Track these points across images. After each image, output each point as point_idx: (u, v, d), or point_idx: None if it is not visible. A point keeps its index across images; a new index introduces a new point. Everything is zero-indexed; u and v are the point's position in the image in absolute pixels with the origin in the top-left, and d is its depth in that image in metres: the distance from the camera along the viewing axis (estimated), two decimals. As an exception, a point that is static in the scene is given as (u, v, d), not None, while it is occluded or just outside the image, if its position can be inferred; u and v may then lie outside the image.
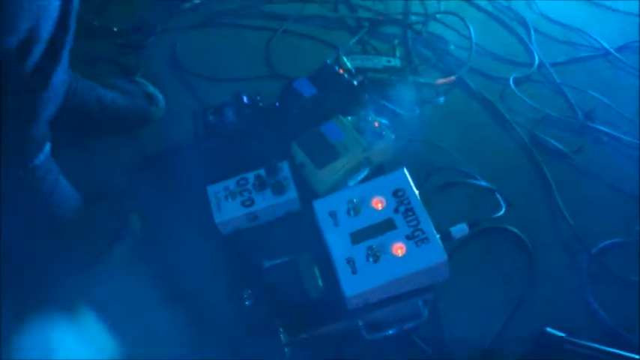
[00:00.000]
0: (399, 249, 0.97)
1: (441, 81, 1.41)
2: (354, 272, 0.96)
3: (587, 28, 1.59)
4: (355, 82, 1.24)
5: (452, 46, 1.53)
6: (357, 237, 0.99)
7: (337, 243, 0.99)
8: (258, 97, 1.26)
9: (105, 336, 1.02)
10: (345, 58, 1.31)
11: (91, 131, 1.30)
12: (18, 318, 1.03)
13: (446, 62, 1.50)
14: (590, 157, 1.28)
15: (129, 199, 1.21)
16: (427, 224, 0.99)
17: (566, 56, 1.52)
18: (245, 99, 1.25)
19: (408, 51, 1.50)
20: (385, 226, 1.00)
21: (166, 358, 1.02)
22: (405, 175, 1.05)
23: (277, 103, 1.26)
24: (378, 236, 0.99)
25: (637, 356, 0.95)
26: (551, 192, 1.22)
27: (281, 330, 0.96)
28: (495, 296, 1.07)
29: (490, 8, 1.66)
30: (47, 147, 1.04)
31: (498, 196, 1.14)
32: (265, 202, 1.13)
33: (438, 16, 1.60)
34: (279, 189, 1.12)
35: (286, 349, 0.97)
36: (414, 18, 1.61)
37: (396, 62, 1.40)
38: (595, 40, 1.55)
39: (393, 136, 1.17)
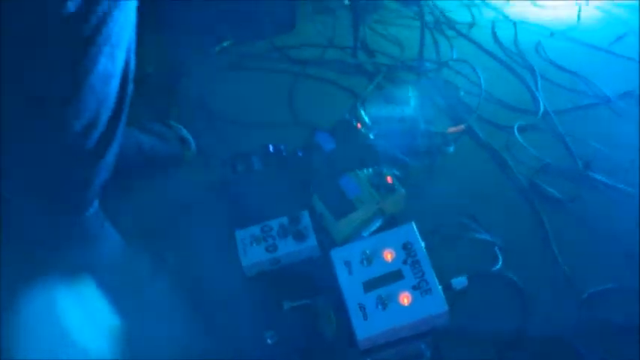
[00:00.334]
0: (405, 298, 1.09)
1: (451, 130, 1.48)
2: (365, 318, 1.08)
3: (592, 74, 1.68)
4: (371, 136, 1.35)
5: (462, 93, 1.62)
6: (368, 285, 1.12)
7: (351, 290, 1.12)
8: (282, 147, 1.38)
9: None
10: (362, 111, 1.42)
11: (128, 174, 1.33)
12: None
13: (455, 109, 1.58)
14: (586, 206, 1.34)
15: (162, 238, 1.28)
16: (431, 276, 1.11)
17: (570, 104, 1.60)
18: (271, 148, 1.37)
19: (421, 100, 1.56)
20: (394, 277, 1.12)
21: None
22: (414, 229, 1.17)
23: (300, 153, 1.37)
24: (387, 285, 1.11)
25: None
26: (547, 238, 1.27)
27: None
28: (491, 337, 1.13)
29: (500, 54, 1.76)
30: (96, 202, 1.13)
31: (497, 250, 1.23)
32: (287, 248, 1.21)
33: (450, 63, 1.70)
34: (300, 237, 1.22)
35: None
36: (428, 65, 1.70)
37: (410, 111, 1.49)
38: (598, 88, 1.63)
39: (403, 191, 1.26)
